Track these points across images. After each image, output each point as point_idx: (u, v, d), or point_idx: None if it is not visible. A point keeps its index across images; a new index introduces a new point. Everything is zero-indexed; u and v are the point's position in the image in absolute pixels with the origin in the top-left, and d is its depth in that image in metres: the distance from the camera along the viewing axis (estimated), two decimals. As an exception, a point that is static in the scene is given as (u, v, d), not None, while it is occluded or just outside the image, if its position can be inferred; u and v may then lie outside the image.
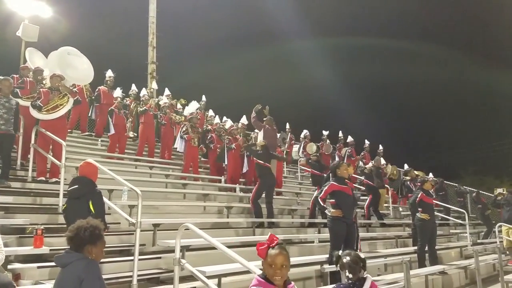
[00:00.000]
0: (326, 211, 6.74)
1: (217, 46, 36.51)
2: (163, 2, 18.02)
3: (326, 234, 7.47)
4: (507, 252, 11.66)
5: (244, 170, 11.44)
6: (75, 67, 8.95)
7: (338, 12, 37.01)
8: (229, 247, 4.82)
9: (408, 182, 12.20)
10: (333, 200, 6.67)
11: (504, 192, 12.85)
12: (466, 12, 36.26)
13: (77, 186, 4.99)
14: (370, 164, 12.67)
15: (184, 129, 11.30)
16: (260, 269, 2.79)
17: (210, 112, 13.59)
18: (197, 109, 13.01)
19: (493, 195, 14.63)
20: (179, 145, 11.81)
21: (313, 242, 8.41)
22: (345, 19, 37.62)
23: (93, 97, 12.15)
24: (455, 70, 38.65)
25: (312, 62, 37.32)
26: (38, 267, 4.66)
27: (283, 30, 36.19)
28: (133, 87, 12.97)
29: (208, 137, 11.72)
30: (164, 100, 12.93)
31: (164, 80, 17.45)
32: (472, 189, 16.70)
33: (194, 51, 33.80)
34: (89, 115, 12.44)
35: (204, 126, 12.48)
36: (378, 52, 38.50)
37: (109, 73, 12.54)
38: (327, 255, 6.77)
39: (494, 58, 34.90)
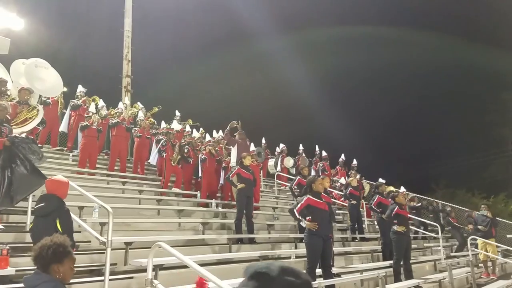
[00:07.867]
0: (302, 223, 6.73)
1: (187, 55, 35.95)
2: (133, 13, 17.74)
3: (303, 250, 7.41)
4: (480, 265, 11.86)
5: (221, 183, 11.38)
6: (43, 79, 8.73)
7: (312, 4, 36.84)
8: (205, 264, 4.72)
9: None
10: (309, 217, 6.64)
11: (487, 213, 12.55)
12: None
13: (43, 204, 4.79)
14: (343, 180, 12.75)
15: (164, 144, 11.12)
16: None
17: (187, 128, 13.50)
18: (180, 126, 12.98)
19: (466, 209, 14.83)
20: (152, 158, 11.62)
21: (289, 257, 8.34)
22: (320, 11, 37.10)
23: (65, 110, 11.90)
24: (426, 82, 39.02)
25: (284, 61, 36.73)
26: (3, 290, 4.44)
27: (250, 31, 35.61)
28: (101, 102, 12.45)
29: (186, 151, 11.61)
30: (140, 114, 12.73)
31: (137, 92, 17.24)
32: (445, 203, 16.97)
33: (164, 61, 33.43)
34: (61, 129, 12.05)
35: (182, 140, 12.37)
36: (349, 50, 37.78)
37: (80, 88, 12.28)
38: (304, 271, 6.70)
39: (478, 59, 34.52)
